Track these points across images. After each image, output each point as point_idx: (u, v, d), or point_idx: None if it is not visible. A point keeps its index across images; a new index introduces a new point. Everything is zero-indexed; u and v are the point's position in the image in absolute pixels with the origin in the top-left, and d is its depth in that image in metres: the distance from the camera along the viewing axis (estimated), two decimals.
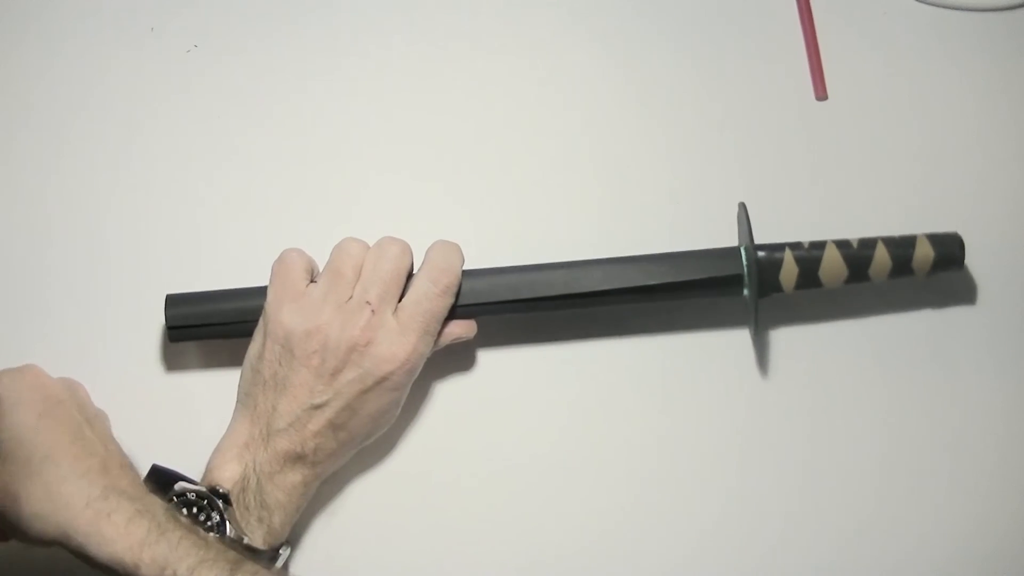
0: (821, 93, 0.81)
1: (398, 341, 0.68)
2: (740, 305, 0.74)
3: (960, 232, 0.73)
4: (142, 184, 0.79)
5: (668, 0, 0.84)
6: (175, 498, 0.65)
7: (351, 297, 0.69)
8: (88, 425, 0.66)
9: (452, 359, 0.74)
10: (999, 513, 0.71)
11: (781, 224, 0.74)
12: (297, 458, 0.67)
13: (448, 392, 0.74)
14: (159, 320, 0.73)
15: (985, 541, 0.70)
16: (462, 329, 0.72)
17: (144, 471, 0.67)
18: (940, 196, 0.78)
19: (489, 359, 0.75)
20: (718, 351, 0.75)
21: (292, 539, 0.69)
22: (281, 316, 0.68)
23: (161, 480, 0.67)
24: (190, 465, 0.68)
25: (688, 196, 0.78)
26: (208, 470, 0.67)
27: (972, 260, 0.74)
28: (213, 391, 0.72)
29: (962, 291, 0.76)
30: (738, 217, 0.74)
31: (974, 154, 0.79)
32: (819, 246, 0.72)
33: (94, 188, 0.79)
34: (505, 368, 0.75)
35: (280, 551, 0.67)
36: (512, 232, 0.78)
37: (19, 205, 0.79)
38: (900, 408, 0.73)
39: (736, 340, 0.75)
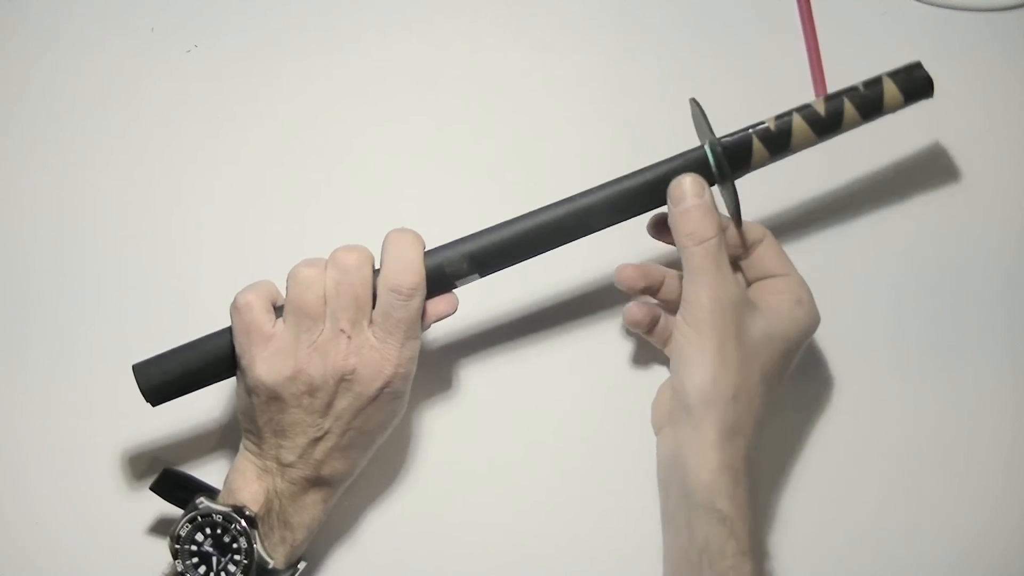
0: (821, 93, 0.81)
1: (381, 358, 0.66)
2: None
3: (958, 230, 0.74)
4: (142, 183, 0.80)
5: (668, 0, 0.84)
6: (199, 517, 0.66)
7: (323, 330, 0.66)
8: None
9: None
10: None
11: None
12: (315, 481, 0.68)
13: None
14: (156, 314, 0.73)
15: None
16: (445, 305, 0.69)
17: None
18: (939, 196, 0.79)
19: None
20: None
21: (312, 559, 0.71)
22: (257, 371, 0.66)
23: (174, 484, 0.68)
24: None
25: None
26: (230, 491, 0.67)
27: (977, 268, 0.76)
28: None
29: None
30: (693, 116, 0.71)
31: (975, 154, 0.80)
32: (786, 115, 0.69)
33: (93, 187, 0.79)
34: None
35: (298, 565, 0.69)
36: None
37: (15, 206, 0.79)
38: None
39: None
